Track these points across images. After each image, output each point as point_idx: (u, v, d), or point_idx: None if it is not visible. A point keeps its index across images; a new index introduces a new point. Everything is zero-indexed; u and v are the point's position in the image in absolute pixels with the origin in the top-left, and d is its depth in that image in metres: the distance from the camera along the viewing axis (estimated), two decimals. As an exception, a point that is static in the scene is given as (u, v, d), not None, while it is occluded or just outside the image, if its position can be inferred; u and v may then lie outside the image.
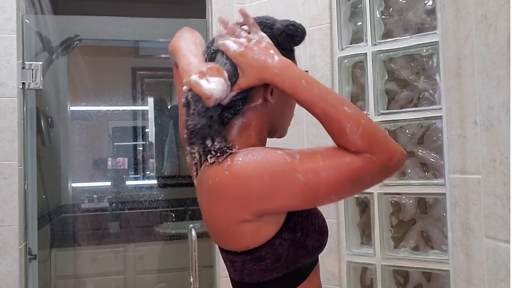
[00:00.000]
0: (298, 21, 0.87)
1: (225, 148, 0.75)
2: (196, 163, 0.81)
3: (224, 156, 0.75)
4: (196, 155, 0.78)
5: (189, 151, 0.78)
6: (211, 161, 0.75)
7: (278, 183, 0.71)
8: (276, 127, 0.90)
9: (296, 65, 0.85)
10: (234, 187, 0.73)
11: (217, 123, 0.77)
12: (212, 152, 0.75)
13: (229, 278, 0.86)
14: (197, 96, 0.74)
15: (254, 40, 0.78)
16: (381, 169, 0.72)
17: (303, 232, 0.77)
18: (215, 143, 0.76)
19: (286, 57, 0.80)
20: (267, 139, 0.89)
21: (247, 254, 0.76)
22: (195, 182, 0.86)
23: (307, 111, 0.76)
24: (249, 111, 0.82)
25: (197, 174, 0.84)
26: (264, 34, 0.80)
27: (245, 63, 0.77)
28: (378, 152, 0.71)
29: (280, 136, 0.93)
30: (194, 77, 0.74)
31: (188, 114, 0.76)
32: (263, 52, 0.77)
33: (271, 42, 0.79)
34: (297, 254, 0.77)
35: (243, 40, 0.79)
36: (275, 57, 0.76)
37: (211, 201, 0.77)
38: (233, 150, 0.75)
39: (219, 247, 0.84)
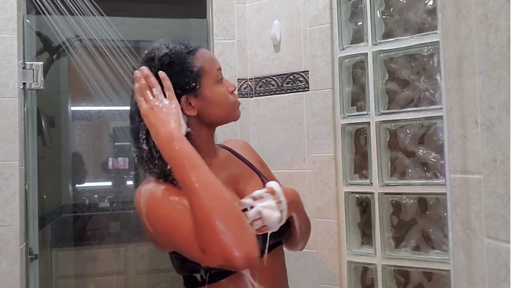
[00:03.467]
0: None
1: None
2: None
3: None
4: None
5: None
6: None
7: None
8: (218, 119, 1.02)
9: (191, 73, 0.95)
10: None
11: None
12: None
13: None
14: None
15: (162, 104, 0.91)
16: (216, 265, 0.84)
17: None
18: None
19: (177, 78, 0.94)
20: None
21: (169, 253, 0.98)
22: None
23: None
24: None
25: None
26: (174, 101, 0.92)
27: (147, 122, 0.91)
28: (213, 255, 0.82)
29: (234, 119, 1.05)
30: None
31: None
32: (163, 117, 0.90)
33: (176, 109, 0.92)
34: (186, 264, 0.93)
35: (154, 100, 0.91)
36: (166, 126, 0.89)
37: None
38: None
39: None
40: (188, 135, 0.93)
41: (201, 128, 1.00)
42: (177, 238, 0.87)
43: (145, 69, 0.94)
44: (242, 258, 0.79)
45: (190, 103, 0.97)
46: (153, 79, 0.93)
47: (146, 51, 0.99)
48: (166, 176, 0.93)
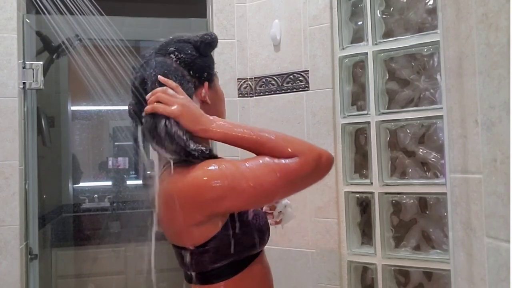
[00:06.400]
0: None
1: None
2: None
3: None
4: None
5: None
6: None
7: (226, 188, 0.86)
8: (220, 116, 1.03)
9: (213, 63, 1.04)
10: (192, 193, 0.88)
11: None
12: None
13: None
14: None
15: (183, 99, 0.92)
16: (312, 169, 0.88)
17: (241, 232, 0.92)
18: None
19: (207, 62, 1.01)
20: None
21: (191, 249, 0.92)
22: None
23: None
24: None
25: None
26: (186, 97, 0.94)
27: (184, 120, 0.90)
28: (307, 154, 0.87)
29: None
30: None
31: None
32: (195, 112, 0.92)
33: (194, 104, 0.94)
34: (235, 248, 0.92)
35: (175, 99, 0.92)
36: (203, 116, 0.92)
37: (172, 205, 0.90)
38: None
39: (172, 244, 0.99)
40: None
41: None
42: (263, 173, 0.86)
43: (161, 77, 0.95)
44: (327, 152, 0.90)
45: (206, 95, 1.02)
46: (159, 88, 0.93)
47: (172, 37, 1.02)
48: (203, 155, 0.93)
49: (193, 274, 0.95)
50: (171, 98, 0.92)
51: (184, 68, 0.97)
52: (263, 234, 0.97)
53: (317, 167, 0.88)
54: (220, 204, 0.88)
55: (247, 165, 0.88)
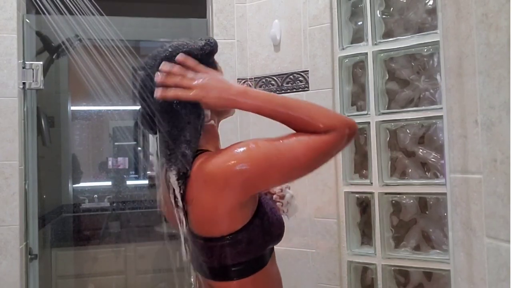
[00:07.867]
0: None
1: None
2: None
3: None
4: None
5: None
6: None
7: (268, 166, 0.88)
8: (223, 112, 1.04)
9: (220, 72, 0.99)
10: (236, 174, 0.87)
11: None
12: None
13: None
14: None
15: (206, 77, 0.90)
16: (344, 141, 0.90)
17: (268, 221, 0.93)
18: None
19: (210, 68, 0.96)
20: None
21: (226, 239, 0.90)
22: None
23: None
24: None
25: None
26: (209, 72, 0.92)
27: (207, 101, 0.89)
28: (339, 128, 0.89)
29: (232, 112, 1.07)
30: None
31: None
32: (221, 81, 0.91)
33: (218, 77, 0.92)
34: (264, 239, 0.92)
35: (195, 79, 0.90)
36: (232, 88, 0.90)
37: (205, 190, 0.89)
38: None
39: (195, 237, 0.94)
40: (206, 126, 0.97)
41: (215, 119, 1.01)
42: (299, 147, 0.88)
43: (180, 57, 0.90)
44: (352, 121, 0.92)
45: None
46: (189, 61, 0.90)
47: (159, 50, 0.96)
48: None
49: (216, 268, 0.93)
50: (190, 82, 0.89)
51: None
52: (282, 226, 0.99)
53: (348, 139, 0.91)
54: (262, 182, 0.89)
55: (282, 142, 0.89)
